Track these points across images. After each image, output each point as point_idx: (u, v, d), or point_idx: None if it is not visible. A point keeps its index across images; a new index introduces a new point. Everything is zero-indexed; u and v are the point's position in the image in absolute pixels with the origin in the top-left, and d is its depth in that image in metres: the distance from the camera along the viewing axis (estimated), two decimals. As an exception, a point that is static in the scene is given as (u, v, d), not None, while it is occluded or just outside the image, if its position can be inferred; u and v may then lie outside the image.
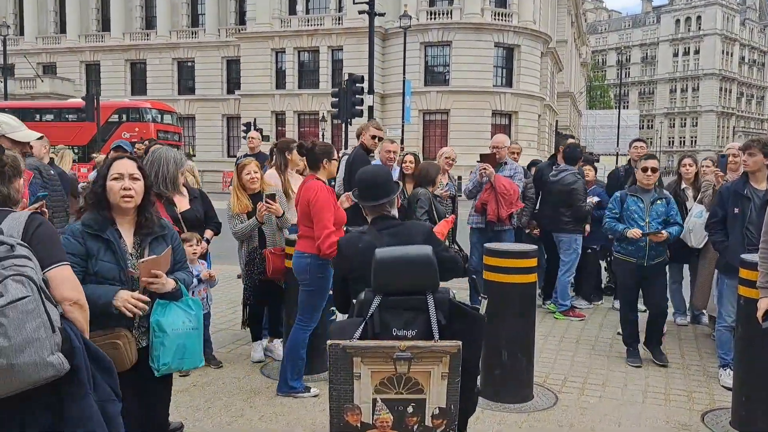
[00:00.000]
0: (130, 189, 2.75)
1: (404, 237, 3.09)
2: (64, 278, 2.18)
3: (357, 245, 3.13)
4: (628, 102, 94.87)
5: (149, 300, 2.77)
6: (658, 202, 5.34)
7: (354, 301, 2.85)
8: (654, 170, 5.29)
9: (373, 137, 6.08)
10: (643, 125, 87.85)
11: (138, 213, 2.85)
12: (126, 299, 2.66)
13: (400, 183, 4.00)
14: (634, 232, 5.17)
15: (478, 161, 6.97)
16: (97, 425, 2.09)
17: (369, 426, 2.60)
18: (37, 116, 32.44)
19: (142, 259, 2.75)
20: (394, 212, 3.27)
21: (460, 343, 2.52)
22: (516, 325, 4.44)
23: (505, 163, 6.99)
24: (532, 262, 4.52)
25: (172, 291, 2.85)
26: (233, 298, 7.55)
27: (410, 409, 2.60)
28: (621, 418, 4.24)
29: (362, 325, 2.63)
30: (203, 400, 4.40)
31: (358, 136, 6.37)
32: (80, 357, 1.55)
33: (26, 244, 2.06)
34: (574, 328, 6.43)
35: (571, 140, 11.41)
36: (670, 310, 6.18)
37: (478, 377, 2.81)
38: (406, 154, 6.81)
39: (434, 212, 6.07)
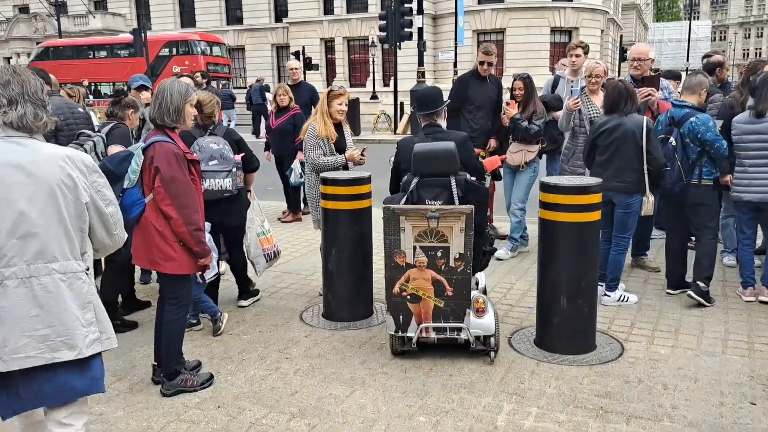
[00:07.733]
0: None
1: (442, 140, 4.01)
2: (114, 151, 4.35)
3: (409, 145, 4.07)
4: (698, 12, 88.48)
5: None
6: None
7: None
8: None
9: (481, 63, 6.48)
10: (715, 37, 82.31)
11: None
12: None
13: (448, 100, 4.68)
14: None
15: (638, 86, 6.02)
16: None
17: (411, 265, 3.73)
18: (91, 53, 32.55)
19: None
20: (442, 123, 4.27)
21: (473, 206, 3.64)
22: (575, 268, 3.95)
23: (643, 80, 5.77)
24: (594, 198, 3.95)
25: None
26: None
27: (439, 254, 3.70)
28: (697, 373, 3.73)
29: (405, 197, 3.84)
30: (237, 351, 4.16)
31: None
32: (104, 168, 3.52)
33: (104, 136, 4.55)
34: (639, 267, 5.88)
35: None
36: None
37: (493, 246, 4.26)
38: (516, 79, 6.24)
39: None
